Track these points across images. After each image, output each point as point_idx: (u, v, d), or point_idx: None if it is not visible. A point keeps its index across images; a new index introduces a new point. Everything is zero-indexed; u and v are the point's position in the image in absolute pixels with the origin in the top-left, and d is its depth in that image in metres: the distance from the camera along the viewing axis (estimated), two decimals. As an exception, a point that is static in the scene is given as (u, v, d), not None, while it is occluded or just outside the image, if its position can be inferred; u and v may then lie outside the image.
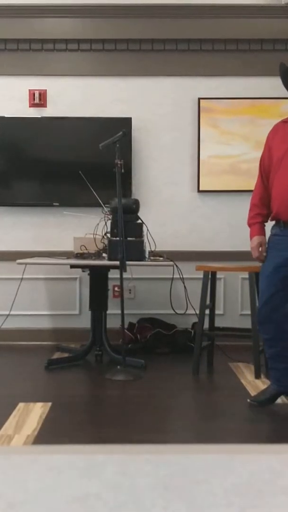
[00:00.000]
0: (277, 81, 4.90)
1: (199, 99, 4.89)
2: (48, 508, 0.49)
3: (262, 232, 3.21)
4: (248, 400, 3.21)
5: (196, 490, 0.51)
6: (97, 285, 4.41)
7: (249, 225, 3.27)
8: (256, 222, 3.22)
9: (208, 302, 4.13)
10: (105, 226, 4.23)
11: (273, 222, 3.17)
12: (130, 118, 4.84)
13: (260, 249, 3.17)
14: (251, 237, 3.23)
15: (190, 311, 4.55)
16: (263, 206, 3.19)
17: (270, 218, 3.17)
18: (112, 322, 4.47)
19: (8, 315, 4.83)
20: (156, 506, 0.49)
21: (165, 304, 4.67)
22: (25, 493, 0.50)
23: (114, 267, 4.04)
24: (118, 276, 3.92)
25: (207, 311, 4.15)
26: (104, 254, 4.20)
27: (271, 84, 4.90)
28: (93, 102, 4.92)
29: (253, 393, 3.43)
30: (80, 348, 4.57)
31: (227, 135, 4.86)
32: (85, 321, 4.73)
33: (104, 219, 4.21)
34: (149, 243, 4.26)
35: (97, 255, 4.22)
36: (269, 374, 3.33)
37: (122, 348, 3.96)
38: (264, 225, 3.23)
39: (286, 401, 3.40)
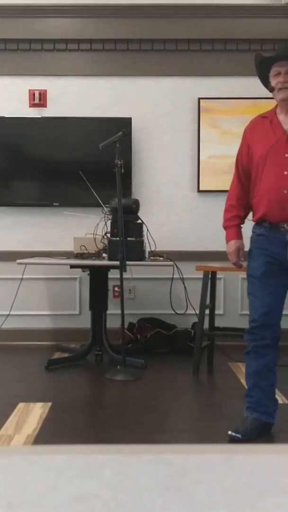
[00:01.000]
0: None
1: (199, 99, 4.89)
2: (48, 508, 0.49)
3: (240, 236, 2.99)
4: (229, 433, 2.78)
5: (196, 490, 0.51)
6: (97, 285, 4.41)
7: (225, 227, 3.04)
8: (233, 224, 2.99)
9: (208, 302, 4.13)
10: (105, 226, 4.23)
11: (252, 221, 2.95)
12: (130, 118, 4.84)
13: (239, 254, 2.97)
14: (227, 241, 3.00)
15: (190, 311, 4.55)
16: (240, 207, 2.98)
17: (253, 220, 2.91)
18: (112, 322, 4.47)
19: (8, 315, 4.83)
20: (156, 506, 0.49)
21: (165, 304, 4.67)
22: (25, 493, 0.50)
23: (114, 267, 4.05)
24: (118, 276, 3.92)
25: (207, 311, 4.15)
26: (104, 254, 4.20)
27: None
28: (93, 102, 4.92)
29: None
30: (80, 348, 4.57)
31: (227, 135, 4.86)
32: (85, 321, 4.73)
33: (104, 219, 4.21)
34: (149, 243, 4.26)
35: (97, 255, 4.22)
36: (246, 401, 2.87)
37: (122, 348, 3.96)
38: (241, 228, 3.01)
39: (286, 401, 3.40)
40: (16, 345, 4.86)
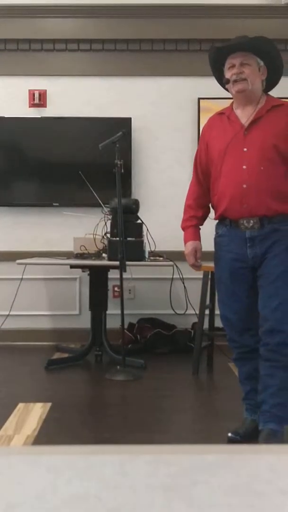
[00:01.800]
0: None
1: (199, 99, 4.89)
2: (48, 508, 0.49)
3: (197, 237, 2.89)
4: (229, 435, 2.74)
5: (196, 490, 0.51)
6: (97, 285, 4.41)
7: (183, 228, 2.94)
8: (190, 225, 2.90)
9: (208, 302, 4.13)
10: (105, 226, 4.23)
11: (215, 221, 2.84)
12: (130, 118, 4.84)
13: (196, 255, 2.86)
14: (184, 243, 2.91)
15: (190, 311, 4.55)
16: (198, 207, 2.89)
17: (215, 217, 2.80)
18: (112, 322, 4.47)
19: (8, 315, 4.83)
20: (156, 506, 0.49)
21: (165, 304, 4.67)
22: (24, 494, 0.50)
23: (114, 267, 4.04)
24: (118, 276, 3.92)
25: (207, 311, 4.15)
26: (104, 254, 4.20)
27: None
28: (93, 102, 4.92)
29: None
30: (80, 348, 4.57)
31: (227, 135, 4.85)
32: (85, 321, 4.73)
33: (104, 219, 4.21)
34: (149, 243, 4.26)
35: (97, 255, 4.22)
36: (245, 403, 2.83)
37: (122, 348, 3.96)
38: (199, 228, 2.92)
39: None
40: (16, 345, 4.86)
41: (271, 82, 2.80)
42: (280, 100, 2.78)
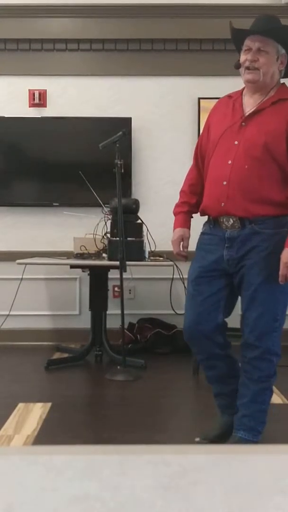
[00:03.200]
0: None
1: (199, 99, 4.89)
2: (48, 508, 0.49)
3: (186, 224, 2.69)
4: (197, 440, 2.67)
5: (196, 491, 0.51)
6: (97, 285, 4.41)
7: (174, 214, 2.76)
8: (181, 211, 2.71)
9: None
10: (105, 226, 4.23)
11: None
12: (130, 118, 4.83)
13: (181, 244, 2.66)
14: (174, 229, 2.72)
15: (190, 311, 4.54)
16: (191, 194, 2.69)
17: (199, 213, 2.67)
18: (112, 322, 4.47)
19: (8, 315, 4.83)
20: (156, 507, 0.49)
21: (165, 304, 4.66)
22: (24, 494, 0.50)
23: (114, 267, 4.04)
24: (118, 276, 3.92)
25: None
26: (104, 254, 4.20)
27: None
28: (93, 102, 4.92)
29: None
30: (80, 348, 4.57)
31: (227, 135, 4.85)
32: (85, 321, 4.73)
33: (104, 219, 4.21)
34: (149, 243, 4.26)
35: (97, 255, 4.22)
36: (216, 403, 2.75)
37: (122, 348, 3.96)
38: (191, 216, 2.73)
39: (286, 401, 3.40)
40: (16, 345, 4.86)
41: None
42: None
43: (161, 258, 4.26)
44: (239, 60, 2.50)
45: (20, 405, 3.26)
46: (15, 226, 4.95)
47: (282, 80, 2.59)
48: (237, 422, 2.58)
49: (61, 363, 4.24)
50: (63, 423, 3.05)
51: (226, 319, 2.65)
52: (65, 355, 4.49)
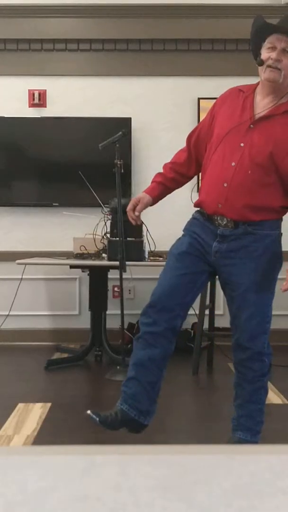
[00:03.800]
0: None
1: (199, 99, 4.89)
2: (48, 508, 0.49)
3: (153, 193, 2.64)
4: (88, 412, 2.51)
5: (196, 491, 0.51)
6: (96, 285, 4.41)
7: (151, 183, 2.72)
8: (154, 181, 2.67)
9: (208, 302, 4.12)
10: (105, 226, 4.23)
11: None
12: (130, 118, 4.84)
13: (135, 202, 2.63)
14: None
15: (190, 311, 4.53)
16: (171, 170, 2.65)
17: (194, 204, 2.61)
18: (112, 323, 4.47)
19: (7, 315, 4.83)
20: (156, 507, 0.49)
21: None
22: (24, 494, 0.50)
23: (114, 267, 4.04)
24: (118, 276, 3.92)
25: (207, 311, 4.14)
26: (103, 255, 4.20)
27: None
28: (93, 102, 4.92)
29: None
30: (80, 348, 4.57)
31: (227, 135, 4.86)
32: (84, 322, 4.73)
33: (104, 219, 4.21)
34: (149, 243, 4.26)
35: (97, 255, 4.22)
36: (122, 391, 2.55)
37: (122, 349, 3.96)
38: (164, 189, 2.67)
39: (286, 401, 3.40)
40: (16, 345, 4.86)
41: None
42: None
43: (161, 258, 4.26)
44: (260, 57, 2.40)
45: (20, 405, 3.26)
46: (15, 226, 4.95)
47: None
48: (235, 423, 2.59)
49: (61, 363, 4.24)
50: (63, 423, 3.05)
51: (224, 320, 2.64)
52: (65, 355, 4.49)
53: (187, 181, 2.73)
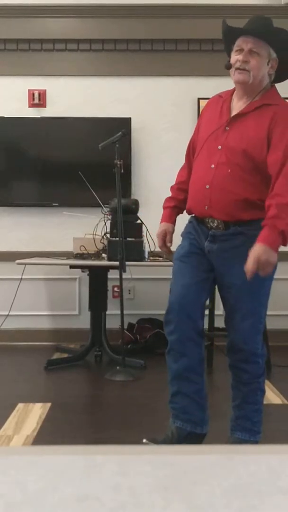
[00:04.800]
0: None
1: (198, 99, 4.89)
2: (48, 508, 0.49)
3: (171, 219, 2.68)
4: (144, 440, 2.52)
5: (196, 491, 0.51)
6: (96, 285, 4.41)
7: (163, 208, 2.77)
8: (167, 206, 2.71)
9: (207, 302, 4.12)
10: (105, 227, 4.23)
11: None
12: (130, 118, 4.84)
13: (166, 238, 2.67)
14: (160, 223, 2.74)
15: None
16: (179, 190, 2.68)
17: (185, 210, 2.67)
18: (112, 323, 4.47)
19: (7, 315, 4.83)
20: (156, 507, 0.49)
21: (165, 304, 4.64)
22: (24, 494, 0.50)
23: (114, 267, 4.04)
24: (118, 276, 3.92)
25: (206, 311, 4.14)
26: (103, 255, 4.20)
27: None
28: (93, 102, 4.92)
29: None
30: (80, 348, 4.57)
31: (227, 135, 4.86)
32: (84, 322, 4.73)
33: (104, 219, 4.21)
34: (149, 243, 4.26)
35: (97, 255, 4.22)
36: (170, 407, 2.53)
37: (122, 349, 3.96)
38: (179, 212, 2.72)
39: (286, 402, 3.40)
40: (16, 345, 4.86)
41: (283, 74, 2.52)
42: (278, 99, 2.48)
43: (161, 258, 4.26)
44: (229, 61, 2.46)
45: (20, 405, 3.26)
46: (14, 226, 4.95)
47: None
48: (232, 423, 2.58)
49: (61, 363, 4.24)
50: (63, 423, 3.05)
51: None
52: (65, 355, 4.49)
53: None
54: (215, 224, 2.46)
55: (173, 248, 2.74)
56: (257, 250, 2.27)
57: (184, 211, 2.71)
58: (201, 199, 2.47)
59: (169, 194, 2.79)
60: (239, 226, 2.43)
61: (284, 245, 2.33)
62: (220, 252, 2.45)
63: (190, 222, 2.61)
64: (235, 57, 2.42)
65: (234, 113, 2.47)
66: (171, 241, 2.69)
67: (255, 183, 2.40)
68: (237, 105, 2.49)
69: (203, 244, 2.49)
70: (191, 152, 2.68)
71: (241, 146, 2.39)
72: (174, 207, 2.70)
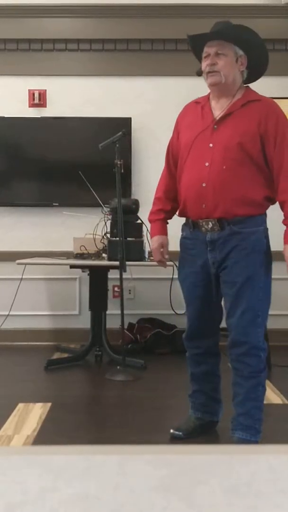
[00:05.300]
0: (277, 81, 4.91)
1: (199, 99, 4.88)
2: (48, 508, 0.49)
3: (164, 231, 2.75)
4: (171, 431, 2.81)
5: (196, 491, 0.51)
6: (96, 285, 4.41)
7: (150, 221, 2.81)
8: (157, 219, 2.76)
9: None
10: (105, 226, 4.23)
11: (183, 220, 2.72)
12: (130, 118, 4.83)
13: (161, 250, 2.75)
14: (151, 237, 2.79)
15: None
16: (167, 200, 2.74)
17: (178, 213, 2.71)
18: (112, 323, 4.47)
19: (7, 315, 4.83)
20: (156, 507, 0.49)
21: (165, 304, 4.66)
22: (24, 494, 0.50)
23: (114, 267, 4.04)
24: (118, 276, 3.92)
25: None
26: (104, 254, 4.20)
27: (271, 84, 4.89)
28: (93, 102, 4.92)
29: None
30: (80, 348, 4.57)
31: (227, 135, 4.85)
32: (84, 321, 4.73)
33: (104, 219, 4.21)
34: (149, 243, 4.25)
35: (97, 255, 4.22)
36: (190, 401, 2.89)
37: (122, 348, 3.96)
38: (167, 223, 2.79)
39: (286, 401, 3.40)
40: (16, 345, 4.86)
41: (256, 72, 2.61)
42: (259, 95, 2.58)
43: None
44: (201, 68, 2.58)
45: (20, 405, 3.26)
46: (15, 226, 4.95)
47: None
48: (234, 422, 2.62)
49: (61, 363, 4.24)
50: (63, 423, 3.05)
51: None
52: (65, 355, 4.49)
53: None
54: (210, 226, 2.52)
55: (172, 241, 2.80)
56: (286, 250, 2.43)
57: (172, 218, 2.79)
58: (197, 198, 2.51)
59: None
60: (234, 225, 2.49)
61: None
62: (223, 259, 2.54)
63: (184, 238, 2.68)
64: (204, 64, 2.55)
65: (216, 113, 2.55)
66: (167, 253, 2.78)
67: (251, 178, 2.47)
68: (218, 106, 2.58)
69: (206, 257, 2.57)
70: (171, 158, 2.75)
71: (235, 140, 2.46)
72: (163, 219, 2.78)
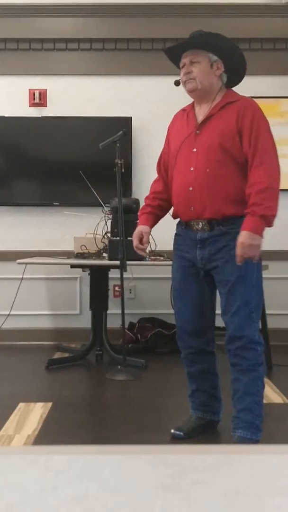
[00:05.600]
0: (277, 80, 4.91)
1: (199, 98, 4.88)
2: (48, 508, 0.49)
3: (147, 222, 2.84)
4: (172, 431, 2.83)
5: (196, 491, 0.51)
6: (97, 285, 4.41)
7: (138, 217, 2.96)
8: (143, 212, 2.88)
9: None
10: (106, 226, 4.23)
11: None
12: (130, 117, 4.83)
13: (143, 239, 2.83)
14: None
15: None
16: (154, 198, 2.86)
17: (172, 215, 2.81)
18: (113, 322, 4.47)
19: (8, 315, 4.83)
20: (155, 507, 0.49)
21: (166, 303, 4.66)
22: (24, 494, 0.50)
23: (115, 266, 4.04)
24: (119, 275, 3.92)
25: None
26: (104, 254, 4.20)
27: (271, 83, 4.90)
28: (93, 102, 4.92)
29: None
30: (81, 348, 4.57)
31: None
32: (85, 321, 4.73)
33: (105, 219, 4.21)
34: (149, 243, 4.26)
35: (98, 255, 4.22)
36: (190, 401, 2.92)
37: (123, 348, 3.96)
38: (154, 217, 2.87)
39: (287, 401, 3.40)
40: (16, 345, 4.86)
41: (238, 74, 2.71)
42: (238, 96, 2.66)
43: (162, 258, 4.26)
44: (177, 80, 2.71)
45: (21, 405, 3.26)
46: (15, 226, 4.95)
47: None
48: (234, 421, 2.63)
49: (62, 363, 4.24)
50: (64, 423, 3.05)
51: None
52: (66, 354, 4.49)
53: (171, 206, 2.87)
54: (200, 226, 2.62)
55: (172, 241, 2.84)
56: (241, 236, 2.46)
57: (163, 218, 2.89)
58: (186, 201, 2.62)
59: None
60: (223, 226, 2.58)
61: (269, 226, 2.48)
62: (211, 255, 2.61)
63: (176, 234, 2.78)
64: (181, 73, 2.68)
65: (200, 118, 2.65)
66: (147, 242, 2.87)
67: (235, 177, 2.54)
68: (201, 111, 2.68)
69: (195, 253, 2.65)
70: (162, 165, 2.85)
71: (216, 141, 2.54)
72: (149, 213, 2.87)
